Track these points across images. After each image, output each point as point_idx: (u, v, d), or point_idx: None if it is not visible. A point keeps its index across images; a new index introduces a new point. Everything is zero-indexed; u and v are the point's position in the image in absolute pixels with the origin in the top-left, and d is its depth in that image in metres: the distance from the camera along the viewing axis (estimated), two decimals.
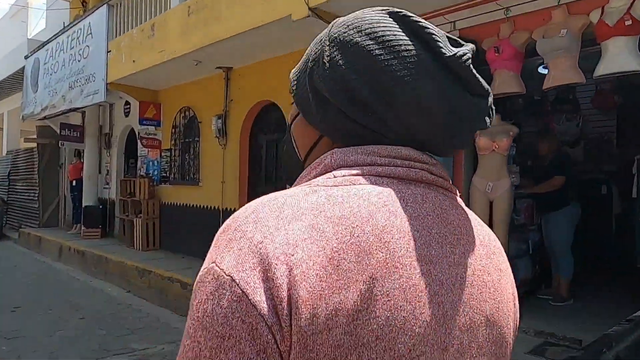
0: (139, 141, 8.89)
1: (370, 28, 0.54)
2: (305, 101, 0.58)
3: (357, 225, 0.47)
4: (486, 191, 4.28)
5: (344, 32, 0.55)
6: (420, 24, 0.54)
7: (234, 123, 7.16)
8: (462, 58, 0.53)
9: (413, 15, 0.55)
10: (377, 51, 0.53)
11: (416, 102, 0.52)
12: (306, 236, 0.46)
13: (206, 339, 0.44)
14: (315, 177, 0.54)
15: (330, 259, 0.45)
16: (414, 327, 0.46)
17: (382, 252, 0.47)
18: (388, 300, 0.45)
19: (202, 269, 0.48)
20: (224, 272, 0.45)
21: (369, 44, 0.53)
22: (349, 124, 0.55)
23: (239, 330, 0.43)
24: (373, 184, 0.52)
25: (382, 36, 0.53)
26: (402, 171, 0.53)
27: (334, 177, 0.52)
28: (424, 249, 0.49)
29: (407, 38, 0.53)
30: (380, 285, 0.46)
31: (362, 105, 0.54)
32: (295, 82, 0.61)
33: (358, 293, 0.44)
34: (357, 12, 0.57)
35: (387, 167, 0.53)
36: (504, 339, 0.56)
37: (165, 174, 8.69)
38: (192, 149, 8.17)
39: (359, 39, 0.54)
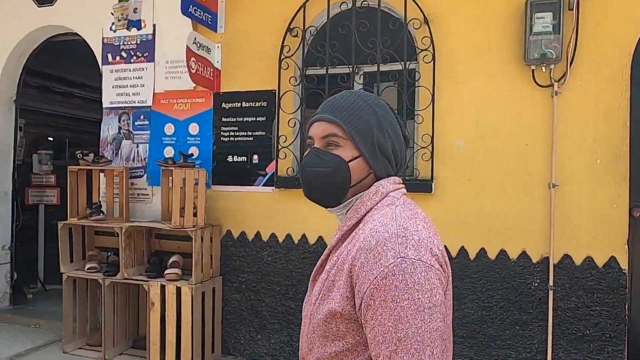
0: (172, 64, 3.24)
1: (394, 116, 1.07)
2: (373, 153, 1.02)
3: (428, 221, 0.97)
4: None
5: (389, 116, 1.06)
6: (397, 114, 1.09)
7: (610, 25, 2.66)
8: (408, 137, 1.13)
9: (393, 109, 1.09)
10: (398, 129, 1.07)
11: (404, 154, 1.09)
12: (427, 231, 0.93)
13: (422, 293, 0.84)
14: (381, 199, 1.00)
15: (437, 240, 0.94)
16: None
17: (438, 235, 0.97)
18: (444, 252, 0.95)
19: (387, 264, 0.86)
20: (413, 259, 0.86)
21: (396, 125, 1.06)
22: (388, 165, 1.04)
23: (436, 283, 0.86)
24: (408, 198, 1.04)
25: (397, 119, 1.07)
26: (405, 190, 1.06)
27: (396, 198, 1.00)
28: None
29: (397, 122, 1.08)
30: (442, 247, 0.95)
31: (398, 156, 1.06)
32: (360, 137, 1.01)
33: (444, 252, 0.95)
34: (382, 102, 1.08)
35: (404, 189, 1.05)
36: None
37: (242, 156, 3.34)
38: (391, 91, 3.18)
39: (394, 121, 1.06)
